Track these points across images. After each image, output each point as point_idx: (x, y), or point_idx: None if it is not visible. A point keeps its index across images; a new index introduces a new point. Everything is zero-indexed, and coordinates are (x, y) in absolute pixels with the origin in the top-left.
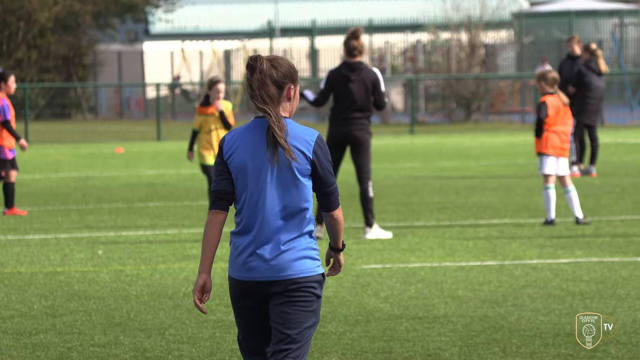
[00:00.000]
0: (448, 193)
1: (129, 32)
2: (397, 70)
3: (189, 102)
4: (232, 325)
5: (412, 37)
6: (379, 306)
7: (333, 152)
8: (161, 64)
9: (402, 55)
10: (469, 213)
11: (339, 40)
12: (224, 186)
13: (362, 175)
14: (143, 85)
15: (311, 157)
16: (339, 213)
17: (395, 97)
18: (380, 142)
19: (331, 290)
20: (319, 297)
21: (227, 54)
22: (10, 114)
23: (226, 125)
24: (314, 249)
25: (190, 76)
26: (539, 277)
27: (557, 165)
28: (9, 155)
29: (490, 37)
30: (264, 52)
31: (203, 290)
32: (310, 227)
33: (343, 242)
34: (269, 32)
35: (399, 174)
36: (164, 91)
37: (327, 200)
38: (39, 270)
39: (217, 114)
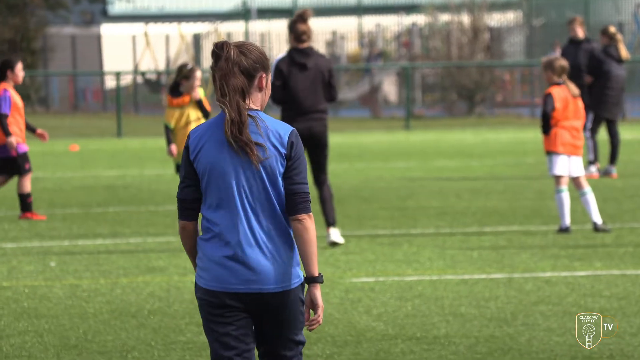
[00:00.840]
0: (448, 196)
1: (84, 13)
2: (390, 57)
3: (154, 93)
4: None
5: (407, 20)
6: (371, 325)
7: None
8: (121, 50)
9: (396, 40)
10: (472, 219)
11: (323, 23)
12: (189, 195)
13: (324, 175)
14: (101, 74)
15: (285, 153)
16: (310, 220)
17: (388, 87)
18: (371, 139)
19: None
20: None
21: (197, 39)
22: (16, 107)
23: (205, 114)
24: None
25: (155, 63)
26: (553, 292)
27: (570, 165)
28: (24, 148)
29: (495, 19)
30: (239, 36)
31: None
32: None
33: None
34: (244, 13)
35: (392, 175)
36: (125, 80)
37: (293, 200)
38: None
39: (194, 103)
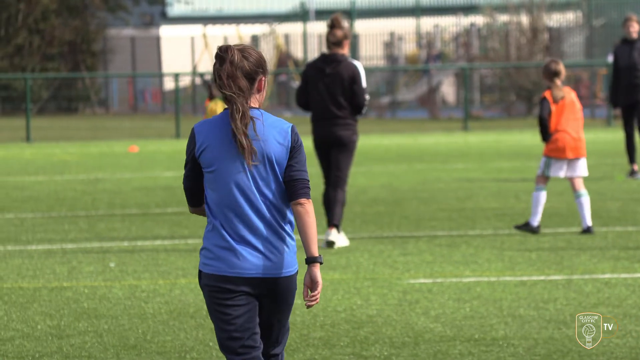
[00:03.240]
0: (507, 198)
1: (143, 15)
2: (448, 57)
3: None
4: None
5: (465, 20)
6: (429, 326)
7: (319, 156)
8: (180, 51)
9: (454, 40)
10: None
11: (381, 24)
12: (194, 186)
13: (342, 181)
14: (160, 76)
15: (289, 145)
16: (310, 205)
17: (447, 88)
18: (430, 140)
19: (374, 308)
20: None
21: (255, 40)
22: None
23: None
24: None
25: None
26: (613, 294)
27: (571, 167)
28: None
29: (555, 19)
30: (297, 37)
31: None
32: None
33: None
34: (301, 14)
35: (450, 176)
36: (184, 82)
37: (294, 187)
38: (42, 285)
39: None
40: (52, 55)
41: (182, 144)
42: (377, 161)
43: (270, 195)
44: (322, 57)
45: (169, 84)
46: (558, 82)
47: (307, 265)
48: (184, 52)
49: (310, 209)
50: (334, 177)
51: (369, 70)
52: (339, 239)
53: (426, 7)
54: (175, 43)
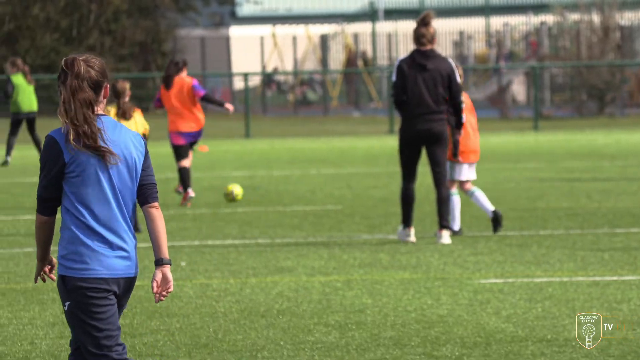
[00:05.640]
0: (578, 197)
1: (213, 15)
2: (518, 56)
3: (282, 94)
4: (333, 348)
5: (535, 19)
6: (500, 327)
7: (410, 152)
8: (250, 51)
9: (524, 39)
10: (603, 220)
11: (451, 23)
12: (55, 193)
13: (443, 176)
14: (229, 76)
15: (144, 151)
16: (159, 208)
17: (517, 87)
18: (500, 140)
19: (445, 308)
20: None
21: (324, 39)
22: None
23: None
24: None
25: (283, 65)
26: None
27: (470, 170)
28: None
29: (626, 18)
30: (366, 37)
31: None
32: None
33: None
34: (371, 14)
35: (521, 176)
36: (253, 82)
37: (146, 190)
38: None
39: None
40: (123, 56)
41: (252, 144)
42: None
43: (128, 198)
44: (419, 53)
45: (238, 84)
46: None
47: (158, 266)
48: (253, 52)
49: (160, 212)
50: (436, 173)
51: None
52: (449, 239)
53: (496, 6)
54: (245, 43)
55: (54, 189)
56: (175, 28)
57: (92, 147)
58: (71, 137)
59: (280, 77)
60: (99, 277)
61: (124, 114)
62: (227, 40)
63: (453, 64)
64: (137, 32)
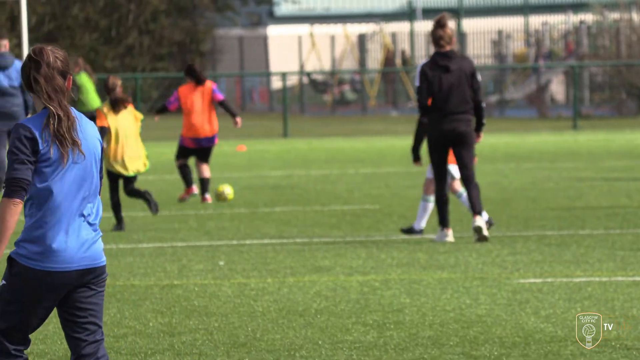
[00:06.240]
0: (618, 197)
1: (251, 14)
2: (557, 56)
3: (319, 94)
4: (371, 347)
5: (574, 18)
6: (539, 326)
7: (439, 153)
8: (287, 51)
9: (563, 38)
10: None
11: (489, 22)
12: (29, 175)
13: (470, 173)
14: (267, 75)
15: (101, 141)
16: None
17: (556, 86)
18: (539, 139)
19: (484, 308)
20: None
21: (362, 39)
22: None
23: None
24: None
25: (321, 64)
26: None
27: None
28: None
29: None
30: (404, 36)
31: None
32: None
33: None
34: (409, 13)
35: (560, 175)
36: (291, 81)
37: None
38: (154, 283)
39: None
40: (162, 56)
41: (290, 143)
42: (485, 160)
43: (93, 190)
44: (440, 55)
45: (276, 83)
46: None
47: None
48: (291, 51)
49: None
50: (465, 175)
51: (477, 69)
52: (483, 223)
53: (535, 5)
54: (283, 42)
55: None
56: (213, 28)
57: (67, 137)
58: (51, 124)
59: (318, 76)
60: (50, 270)
61: (123, 102)
62: (265, 39)
63: (474, 62)
64: (175, 32)
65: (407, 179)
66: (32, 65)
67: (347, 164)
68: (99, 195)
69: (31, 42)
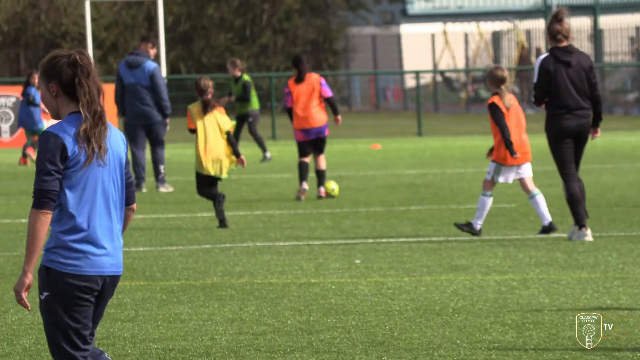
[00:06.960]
0: None
1: (384, 13)
2: None
3: (453, 92)
4: (510, 347)
5: None
6: None
7: (563, 149)
8: (421, 49)
9: None
10: None
11: (626, 19)
12: (57, 186)
13: (577, 171)
14: (401, 74)
15: (126, 150)
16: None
17: None
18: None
19: (625, 308)
20: None
21: (496, 37)
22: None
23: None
24: None
25: (454, 62)
26: None
27: (519, 170)
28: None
29: None
30: (538, 33)
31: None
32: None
33: None
34: (544, 10)
35: None
36: (425, 79)
37: (129, 191)
38: (291, 281)
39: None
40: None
41: (424, 142)
42: (624, 159)
43: (118, 197)
44: (560, 50)
45: (410, 82)
46: (504, 88)
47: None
48: (424, 50)
49: (132, 214)
50: (575, 171)
51: (614, 66)
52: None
53: None
54: (416, 40)
55: (56, 183)
56: (346, 26)
57: (100, 144)
58: (89, 130)
59: (451, 75)
60: (85, 274)
61: (205, 107)
62: (398, 38)
63: (590, 58)
64: (309, 31)
65: (543, 178)
66: (77, 69)
67: (482, 163)
68: (132, 205)
69: (167, 42)
